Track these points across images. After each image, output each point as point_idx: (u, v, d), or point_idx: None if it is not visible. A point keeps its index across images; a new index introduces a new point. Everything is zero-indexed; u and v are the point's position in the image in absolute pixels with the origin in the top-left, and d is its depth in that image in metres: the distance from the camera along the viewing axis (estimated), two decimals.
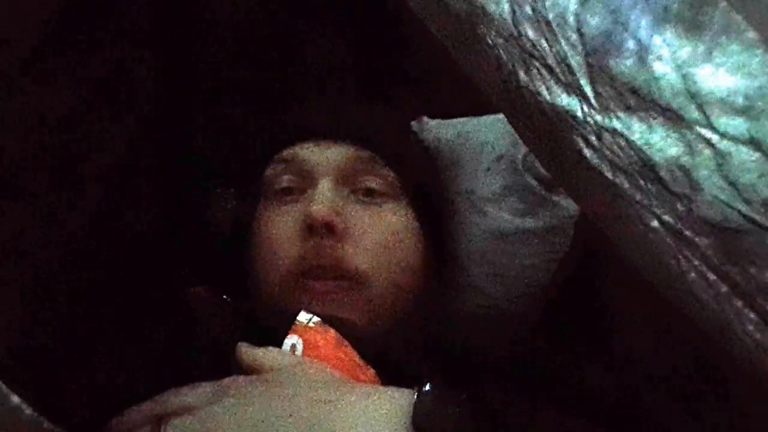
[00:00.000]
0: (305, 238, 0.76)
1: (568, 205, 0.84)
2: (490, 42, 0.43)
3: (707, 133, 0.32)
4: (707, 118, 0.32)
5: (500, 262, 0.85)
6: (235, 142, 0.91)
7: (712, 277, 0.39)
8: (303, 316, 0.72)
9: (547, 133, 0.45)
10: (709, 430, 0.69)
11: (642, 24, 0.33)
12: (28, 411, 0.47)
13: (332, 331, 0.71)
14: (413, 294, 0.80)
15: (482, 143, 0.88)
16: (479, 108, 0.88)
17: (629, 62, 0.33)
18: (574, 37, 0.35)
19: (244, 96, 0.93)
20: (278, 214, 0.79)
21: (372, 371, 0.70)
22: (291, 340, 0.70)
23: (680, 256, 0.40)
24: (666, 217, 0.36)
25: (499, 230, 0.85)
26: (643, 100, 0.33)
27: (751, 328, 0.38)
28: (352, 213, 0.78)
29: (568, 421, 0.70)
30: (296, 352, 0.69)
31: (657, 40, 0.32)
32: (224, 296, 0.84)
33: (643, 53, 0.33)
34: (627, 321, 0.81)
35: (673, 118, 0.33)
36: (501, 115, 0.77)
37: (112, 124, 0.81)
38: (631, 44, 0.33)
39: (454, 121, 0.92)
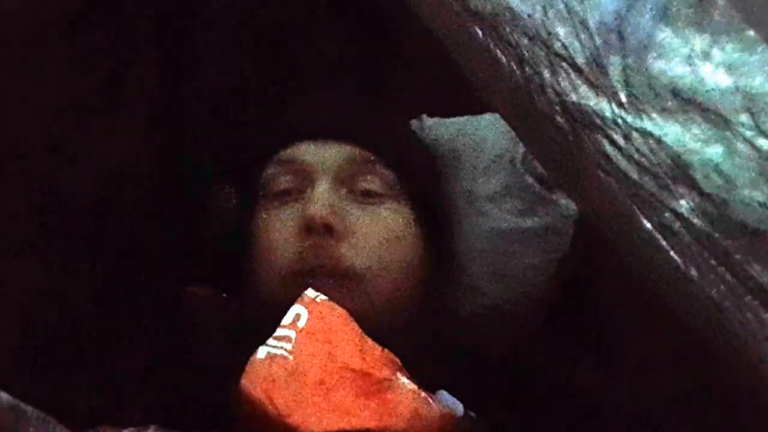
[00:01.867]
0: (304, 238, 0.76)
1: (567, 204, 0.84)
2: (512, 41, 0.43)
3: (752, 134, 0.32)
4: (754, 119, 0.32)
5: (499, 262, 0.85)
6: (234, 142, 0.90)
7: (732, 280, 0.39)
8: (311, 292, 0.70)
9: (564, 134, 0.45)
10: None
11: (691, 26, 0.33)
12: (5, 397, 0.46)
13: (342, 309, 0.70)
14: (412, 294, 0.80)
15: (481, 142, 0.88)
16: (478, 106, 0.88)
17: (673, 64, 0.33)
18: (614, 37, 0.35)
19: (242, 95, 0.93)
20: (277, 214, 0.79)
21: (385, 351, 0.68)
22: (296, 309, 0.68)
23: (700, 259, 0.40)
24: (696, 220, 0.36)
25: (498, 229, 0.85)
26: (684, 101, 0.33)
27: None
28: (351, 213, 0.77)
29: None
30: (299, 322, 0.67)
31: (704, 41, 0.32)
32: (223, 295, 0.83)
33: (691, 55, 0.33)
34: (625, 323, 0.82)
35: (716, 119, 0.33)
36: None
37: (111, 123, 0.81)
38: (676, 45, 0.33)
39: (454, 120, 0.92)
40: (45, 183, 0.74)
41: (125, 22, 0.81)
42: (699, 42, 0.33)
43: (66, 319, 0.77)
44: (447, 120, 0.92)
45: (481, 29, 0.46)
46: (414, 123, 0.92)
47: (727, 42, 0.32)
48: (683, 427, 0.72)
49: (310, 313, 0.68)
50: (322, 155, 0.79)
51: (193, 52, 0.89)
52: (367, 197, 0.79)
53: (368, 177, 0.79)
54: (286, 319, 0.68)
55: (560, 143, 0.47)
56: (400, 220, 0.80)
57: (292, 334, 0.66)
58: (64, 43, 0.75)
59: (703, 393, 0.70)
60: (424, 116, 0.92)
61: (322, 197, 0.76)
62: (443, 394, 0.71)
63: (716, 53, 0.32)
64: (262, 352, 0.65)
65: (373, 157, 0.80)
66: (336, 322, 0.68)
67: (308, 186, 0.78)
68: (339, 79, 0.91)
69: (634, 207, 0.42)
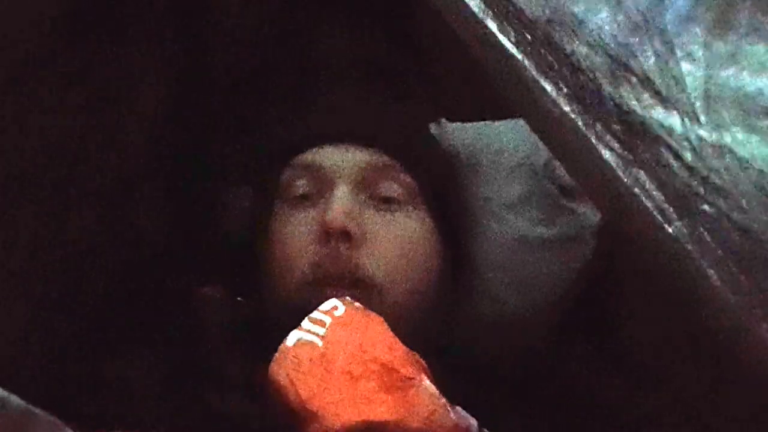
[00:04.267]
0: (321, 244, 0.75)
1: (588, 214, 0.83)
2: (567, 49, 0.41)
3: None
4: None
5: (517, 270, 0.84)
6: (252, 143, 0.89)
7: None
8: (349, 300, 0.71)
9: (619, 146, 0.44)
10: None
11: None
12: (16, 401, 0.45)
13: (377, 315, 0.70)
14: (429, 301, 0.79)
15: (502, 148, 0.87)
16: (499, 110, 0.87)
17: (761, 81, 0.32)
18: (699, 52, 0.34)
19: (261, 96, 0.92)
20: (294, 218, 0.78)
21: (414, 353, 0.69)
22: (334, 302, 0.69)
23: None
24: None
25: (516, 238, 0.84)
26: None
27: None
28: (369, 219, 0.77)
29: None
30: (336, 311, 0.68)
31: None
32: (236, 297, 0.82)
33: None
34: (644, 335, 0.81)
35: None
36: (521, 121, 0.78)
37: (126, 122, 0.80)
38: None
39: (474, 125, 0.91)
40: (58, 183, 0.73)
41: (134, 25, 0.80)
42: None
43: (76, 321, 0.76)
44: (467, 125, 0.91)
45: (531, 34, 0.45)
46: (433, 127, 0.91)
47: None
48: (694, 428, 0.72)
49: (346, 307, 0.69)
50: (342, 160, 0.78)
51: (211, 50, 0.88)
52: (387, 203, 0.78)
53: (388, 183, 0.79)
54: (324, 306, 0.68)
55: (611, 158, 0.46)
56: (419, 227, 0.79)
57: (328, 319, 0.67)
58: (72, 44, 0.74)
59: (724, 401, 0.70)
60: (444, 120, 0.91)
61: (340, 203, 0.75)
62: (460, 411, 0.71)
63: None
64: (292, 338, 0.66)
65: (393, 163, 0.79)
66: (371, 320, 0.69)
67: (327, 191, 0.77)
68: (360, 83, 0.90)
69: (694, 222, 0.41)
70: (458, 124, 0.91)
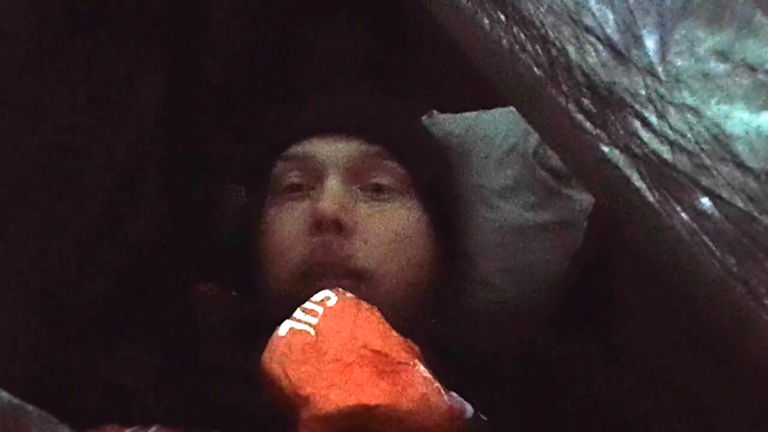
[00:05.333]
0: (313, 234, 0.75)
1: (580, 198, 0.83)
2: (537, 22, 0.42)
3: None
4: None
5: (511, 257, 0.84)
6: (243, 138, 0.90)
7: None
8: (341, 291, 0.71)
9: (589, 118, 0.44)
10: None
11: None
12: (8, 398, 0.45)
13: (369, 305, 0.70)
14: (422, 290, 0.79)
15: (492, 136, 0.87)
16: (490, 101, 0.87)
17: (714, 27, 0.32)
18: (649, 3, 0.34)
19: (251, 92, 0.93)
20: (286, 210, 0.78)
21: (408, 341, 0.69)
22: (326, 293, 0.69)
23: (735, 244, 0.39)
24: (731, 198, 0.35)
25: (509, 224, 0.84)
26: (727, 67, 0.32)
27: None
28: (360, 210, 0.77)
29: None
30: (328, 302, 0.67)
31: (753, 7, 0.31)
32: (231, 293, 0.82)
33: (737, 20, 0.31)
34: (638, 319, 0.81)
35: (761, 85, 0.31)
36: (511, 108, 0.78)
37: (120, 122, 0.80)
38: (726, 13, 0.32)
39: (464, 115, 0.91)
40: (55, 181, 0.74)
41: (129, 23, 0.81)
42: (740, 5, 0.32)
43: (72, 318, 0.77)
44: (457, 115, 0.91)
45: (503, 12, 0.45)
46: (425, 119, 0.91)
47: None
48: (696, 425, 0.72)
49: (339, 298, 0.68)
50: (333, 151, 0.78)
51: (203, 48, 0.89)
52: (378, 193, 0.78)
53: (378, 173, 0.79)
54: (316, 297, 0.68)
55: (582, 129, 0.46)
56: (411, 216, 0.79)
57: (320, 309, 0.67)
58: (67, 45, 0.74)
59: (719, 391, 0.69)
60: (435, 112, 0.92)
61: (332, 193, 0.76)
62: (455, 395, 0.70)
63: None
64: (284, 327, 0.65)
65: (384, 153, 0.79)
66: (364, 309, 0.69)
67: (318, 182, 0.78)
68: (349, 74, 0.91)
69: (664, 192, 0.41)
70: (449, 115, 0.91)
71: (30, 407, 0.49)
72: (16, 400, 0.47)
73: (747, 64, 0.33)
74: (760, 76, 0.32)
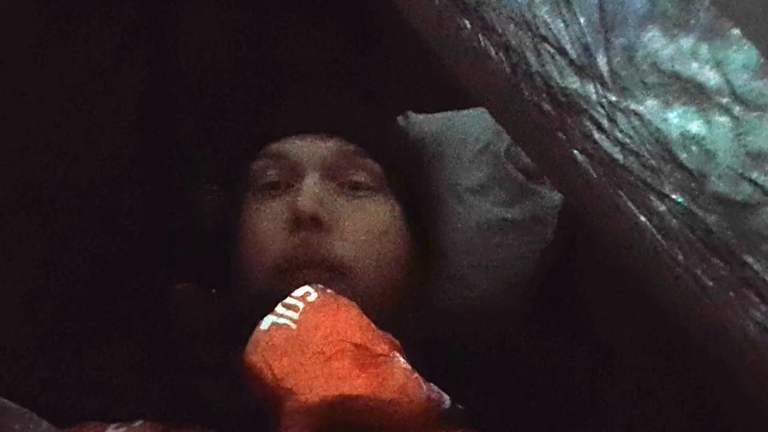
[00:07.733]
0: (292, 232, 0.76)
1: (551, 195, 0.85)
2: (499, 30, 0.44)
3: (728, 102, 0.33)
4: (731, 86, 0.33)
5: (485, 253, 0.86)
6: (220, 137, 0.91)
7: (715, 260, 0.40)
8: (321, 287, 0.72)
9: (550, 121, 0.46)
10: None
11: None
12: None
13: (349, 300, 0.71)
14: (400, 286, 0.81)
15: (466, 136, 0.89)
16: (463, 103, 0.89)
17: (653, 36, 0.34)
18: (596, 15, 0.36)
19: (228, 92, 0.94)
20: (264, 208, 0.80)
21: (388, 335, 0.70)
22: (306, 288, 0.70)
23: (681, 239, 0.41)
24: (675, 196, 0.37)
25: (483, 221, 0.86)
26: (664, 75, 0.34)
27: (755, 312, 0.38)
28: (339, 206, 0.78)
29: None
30: (308, 297, 0.68)
31: (685, 13, 0.34)
32: (211, 290, 0.83)
33: (672, 28, 0.34)
34: (608, 311, 0.83)
35: (694, 90, 0.34)
36: (483, 109, 0.80)
37: (99, 120, 0.81)
38: (659, 19, 0.34)
39: (439, 115, 0.93)
40: (38, 179, 0.74)
41: (108, 25, 0.82)
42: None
43: (54, 315, 0.77)
44: (432, 116, 0.93)
45: (468, 19, 0.48)
46: (401, 119, 0.93)
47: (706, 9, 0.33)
48: (669, 415, 0.73)
49: (319, 293, 0.70)
50: (311, 149, 0.80)
51: (181, 47, 0.89)
52: (355, 190, 0.80)
53: (355, 170, 0.80)
54: (297, 292, 0.69)
55: (547, 131, 0.49)
56: (387, 213, 0.81)
57: (301, 304, 0.68)
58: (45, 46, 0.75)
59: (688, 379, 0.71)
60: (410, 113, 0.94)
61: (311, 190, 0.77)
62: (433, 386, 0.72)
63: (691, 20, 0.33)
64: (266, 322, 0.67)
65: (360, 151, 0.81)
66: (343, 305, 0.70)
67: (296, 180, 0.79)
68: (326, 74, 0.92)
69: (620, 191, 0.43)
70: (424, 115, 0.93)
71: (12, 405, 0.50)
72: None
73: (685, 71, 0.35)
74: (692, 83, 0.35)
